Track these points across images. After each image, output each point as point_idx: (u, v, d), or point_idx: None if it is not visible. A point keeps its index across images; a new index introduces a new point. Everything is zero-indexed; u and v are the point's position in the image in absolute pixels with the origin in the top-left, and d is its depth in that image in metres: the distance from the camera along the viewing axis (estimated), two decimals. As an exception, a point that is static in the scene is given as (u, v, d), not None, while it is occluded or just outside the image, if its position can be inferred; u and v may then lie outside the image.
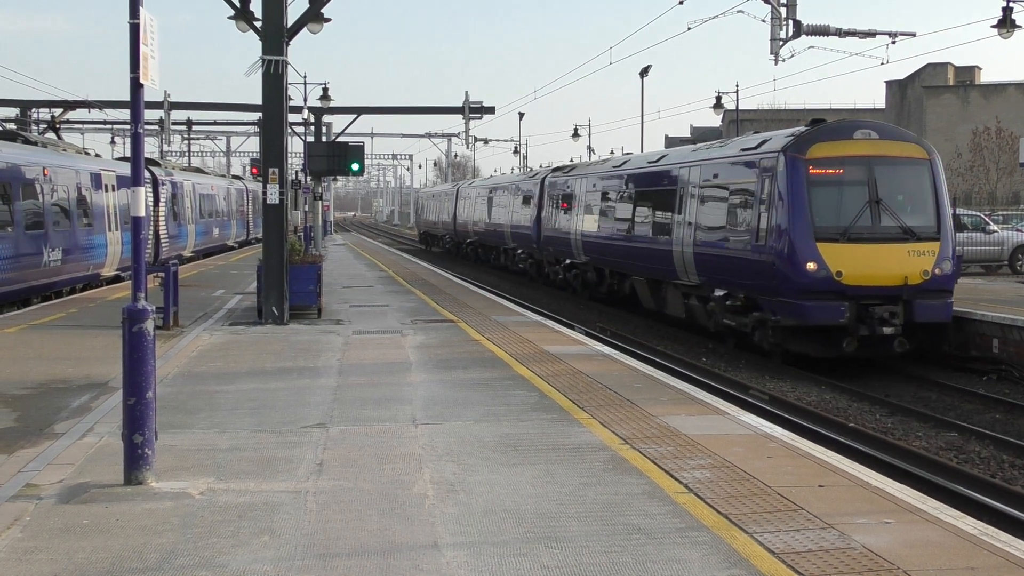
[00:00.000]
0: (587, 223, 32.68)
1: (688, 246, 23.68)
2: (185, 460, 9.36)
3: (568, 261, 35.12)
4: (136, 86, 8.71)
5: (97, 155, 36.51)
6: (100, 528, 7.44)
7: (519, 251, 43.57)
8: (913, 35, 31.96)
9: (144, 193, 8.93)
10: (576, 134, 75.07)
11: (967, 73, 73.23)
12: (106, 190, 30.77)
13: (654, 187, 27.04)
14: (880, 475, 9.25)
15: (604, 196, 31.44)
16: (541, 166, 58.46)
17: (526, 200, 42.42)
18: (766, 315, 20.21)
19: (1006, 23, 28.96)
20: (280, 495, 8.27)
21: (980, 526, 7.64)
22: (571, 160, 58.75)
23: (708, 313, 23.21)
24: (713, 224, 22.79)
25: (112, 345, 14.66)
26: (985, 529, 7.56)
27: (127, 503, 8.04)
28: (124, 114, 53.18)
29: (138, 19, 8.62)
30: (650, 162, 28.47)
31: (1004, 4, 28.91)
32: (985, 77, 74.88)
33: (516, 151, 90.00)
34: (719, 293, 22.14)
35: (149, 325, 8.56)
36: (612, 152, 78.94)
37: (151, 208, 37.00)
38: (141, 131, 8.85)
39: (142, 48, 8.65)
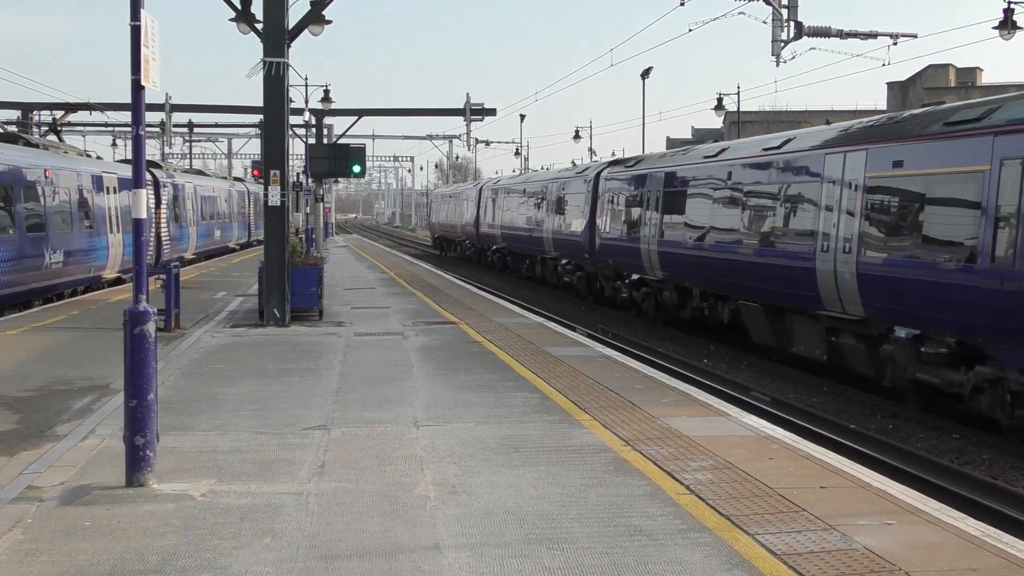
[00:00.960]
0: (667, 229, 25.43)
1: (847, 263, 16.91)
2: (187, 462, 9.36)
3: (635, 277, 28.16)
4: (137, 88, 8.72)
5: (99, 157, 36.57)
6: (102, 530, 7.44)
7: (564, 262, 36.28)
8: (914, 36, 32.02)
9: (145, 195, 8.93)
10: (577, 135, 75.17)
11: (968, 74, 73.16)
12: (107, 192, 30.79)
13: (780, 181, 20.05)
14: (882, 476, 9.24)
15: (694, 195, 24.25)
16: (543, 167, 57.87)
17: (574, 201, 35.18)
18: (1003, 372, 13.79)
19: (1007, 24, 28.99)
20: (282, 497, 8.27)
21: (982, 527, 7.64)
22: (573, 162, 57.34)
23: (877, 360, 16.73)
24: (895, 233, 16.11)
25: (114, 347, 14.67)
26: (987, 530, 7.56)
27: (129, 505, 8.04)
28: (125, 116, 53.37)
29: (139, 21, 8.62)
30: (769, 149, 21.07)
31: (1005, 6, 28.94)
32: (986, 78, 74.78)
33: (517, 152, 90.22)
34: (903, 334, 15.63)
35: (151, 327, 8.57)
36: (614, 153, 78.94)
37: (152, 210, 37.05)
38: (142, 133, 8.86)
39: (143, 50, 8.66)
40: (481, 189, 54.64)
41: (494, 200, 49.95)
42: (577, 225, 34.38)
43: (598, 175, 32.84)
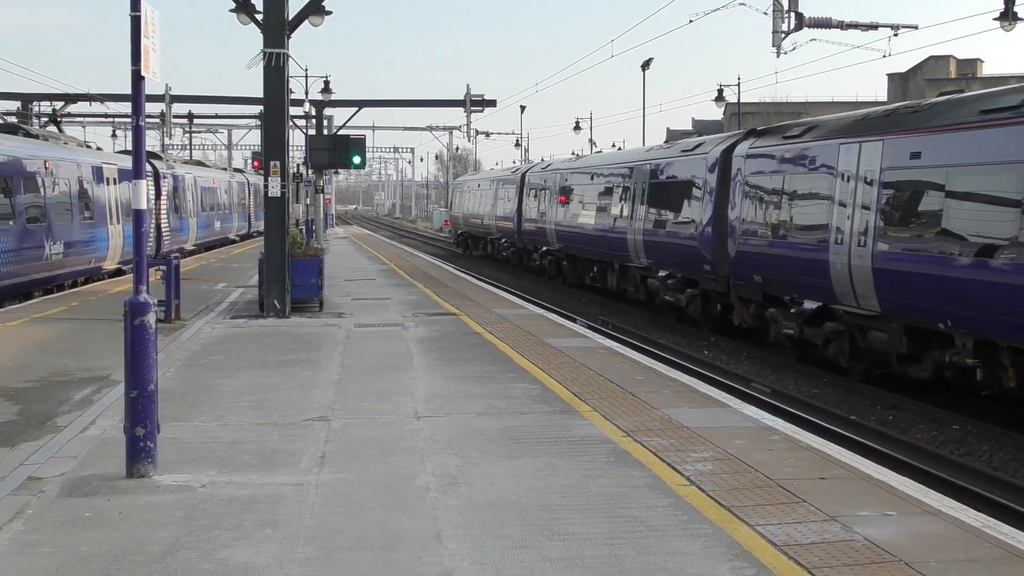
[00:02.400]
0: (900, 233, 16.06)
1: None
2: (187, 453, 9.36)
3: (812, 305, 18.48)
4: (137, 79, 8.70)
5: (99, 148, 36.55)
6: (103, 521, 7.45)
7: (663, 274, 25.85)
8: (915, 28, 31.88)
9: (145, 186, 8.93)
10: (577, 127, 75.11)
11: (969, 66, 73.21)
12: (107, 183, 30.77)
13: None
14: (882, 468, 9.25)
15: (979, 183, 14.55)
16: (543, 159, 57.09)
17: (682, 189, 25.13)
18: None
19: (1008, 16, 28.91)
20: (282, 488, 8.27)
21: (982, 518, 7.64)
22: (574, 153, 54.59)
23: None
24: None
25: (114, 338, 14.66)
26: (987, 521, 7.56)
27: (129, 496, 8.05)
28: (125, 107, 53.24)
29: (139, 12, 8.61)
30: None
31: (1006, -4, 28.85)
32: (987, 70, 74.81)
33: (518, 144, 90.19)
34: None
35: (151, 318, 8.57)
36: (614, 145, 78.73)
37: (152, 201, 37.03)
38: (142, 124, 8.85)
39: (143, 41, 8.64)
40: (525, 175, 43.84)
41: (545, 189, 39.33)
42: (690, 224, 24.41)
43: (728, 151, 22.90)
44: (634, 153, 32.46)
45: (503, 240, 47.70)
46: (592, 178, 33.88)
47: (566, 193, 36.40)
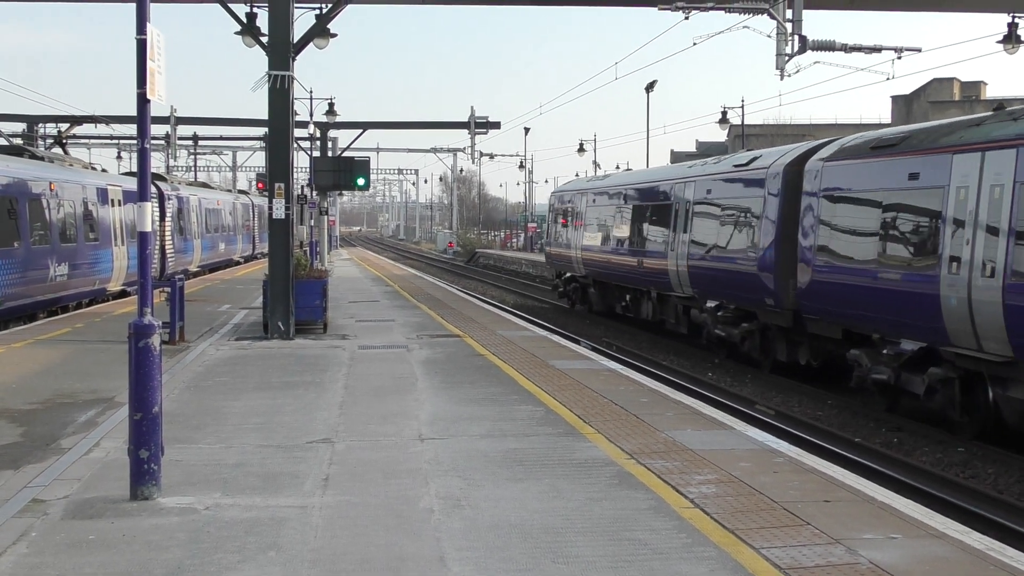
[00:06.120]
0: None
1: None
2: (191, 475, 9.36)
3: None
4: (143, 101, 8.74)
5: (104, 170, 36.65)
6: (106, 544, 7.44)
7: None
8: (919, 50, 31.88)
9: (150, 208, 8.96)
10: (582, 149, 75.26)
11: (973, 88, 73.25)
12: (112, 205, 30.85)
13: None
14: (886, 490, 9.22)
15: None
16: (547, 181, 56.99)
17: None
18: None
19: (1011, 39, 28.96)
20: (286, 510, 8.26)
21: (987, 541, 7.62)
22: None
23: None
24: None
25: (118, 360, 14.67)
26: (992, 544, 7.54)
27: (133, 518, 8.04)
28: (131, 129, 53.42)
29: (145, 35, 8.66)
30: None
31: (1009, 20, 28.95)
32: (991, 92, 74.84)
33: (522, 166, 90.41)
34: None
35: (155, 340, 8.58)
36: (619, 167, 78.85)
37: (157, 223, 37.10)
38: (147, 146, 8.88)
39: (149, 63, 8.69)
40: (806, 170, 19.56)
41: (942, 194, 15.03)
42: None
43: None
44: None
45: (717, 307, 23.27)
46: None
47: None
